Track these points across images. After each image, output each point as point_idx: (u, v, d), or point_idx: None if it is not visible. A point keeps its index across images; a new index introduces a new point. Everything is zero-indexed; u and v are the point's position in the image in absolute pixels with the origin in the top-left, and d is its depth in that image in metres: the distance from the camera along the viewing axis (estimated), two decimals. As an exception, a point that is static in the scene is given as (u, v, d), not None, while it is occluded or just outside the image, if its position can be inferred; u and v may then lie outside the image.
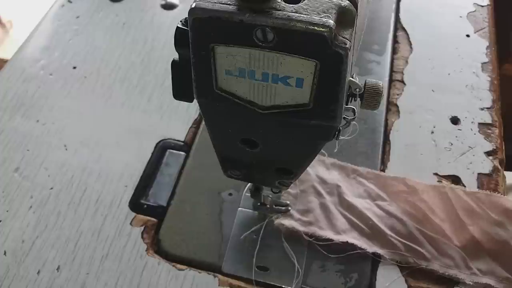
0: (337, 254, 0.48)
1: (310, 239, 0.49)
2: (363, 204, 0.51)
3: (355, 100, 0.33)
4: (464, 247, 0.48)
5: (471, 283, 0.46)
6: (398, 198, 0.52)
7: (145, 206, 0.53)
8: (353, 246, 0.48)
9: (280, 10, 0.26)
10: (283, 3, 0.27)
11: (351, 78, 0.32)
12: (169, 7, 0.75)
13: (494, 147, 0.56)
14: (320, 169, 0.54)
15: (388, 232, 0.49)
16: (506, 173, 0.57)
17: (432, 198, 0.51)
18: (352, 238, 0.49)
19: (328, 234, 0.49)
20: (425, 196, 0.51)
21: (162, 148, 0.58)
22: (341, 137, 0.33)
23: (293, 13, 0.26)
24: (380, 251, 0.48)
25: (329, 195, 0.52)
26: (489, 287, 0.46)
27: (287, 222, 0.50)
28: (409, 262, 0.47)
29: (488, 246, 0.48)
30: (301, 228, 0.49)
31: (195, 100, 0.33)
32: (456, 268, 0.47)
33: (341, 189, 0.52)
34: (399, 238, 0.48)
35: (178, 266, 0.49)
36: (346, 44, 0.27)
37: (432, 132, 0.58)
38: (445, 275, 0.47)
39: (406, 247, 0.48)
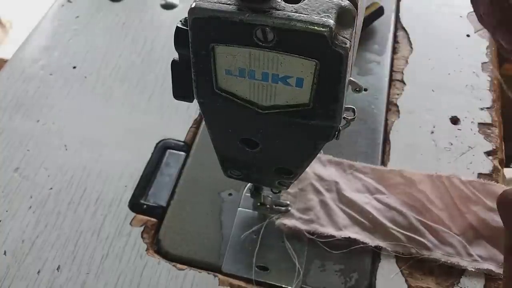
0: (340, 250, 0.48)
1: (312, 237, 0.49)
2: (362, 199, 0.51)
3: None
4: (463, 234, 0.49)
5: (473, 270, 0.46)
6: (396, 190, 0.52)
7: (145, 206, 0.53)
8: (355, 241, 0.48)
9: (280, 9, 0.26)
10: (283, 2, 0.27)
11: (351, 78, 0.32)
12: (169, 7, 0.75)
13: (494, 147, 0.56)
14: (317, 167, 0.54)
15: (389, 224, 0.49)
16: (505, 170, 0.57)
17: (429, 188, 0.52)
18: (354, 233, 0.49)
19: (330, 230, 0.49)
20: (422, 187, 0.52)
21: (162, 148, 0.58)
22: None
23: (293, 13, 0.26)
24: (382, 244, 0.48)
25: (328, 192, 0.52)
26: (491, 272, 0.46)
27: (288, 221, 0.50)
28: (412, 253, 0.48)
29: (486, 233, 0.49)
30: (303, 226, 0.49)
31: (195, 100, 0.33)
32: (457, 256, 0.47)
33: (339, 185, 0.52)
34: (400, 230, 0.49)
35: (178, 266, 0.49)
36: (346, 43, 0.27)
37: (432, 132, 0.58)
38: (447, 264, 0.47)
39: (407, 238, 0.48)
